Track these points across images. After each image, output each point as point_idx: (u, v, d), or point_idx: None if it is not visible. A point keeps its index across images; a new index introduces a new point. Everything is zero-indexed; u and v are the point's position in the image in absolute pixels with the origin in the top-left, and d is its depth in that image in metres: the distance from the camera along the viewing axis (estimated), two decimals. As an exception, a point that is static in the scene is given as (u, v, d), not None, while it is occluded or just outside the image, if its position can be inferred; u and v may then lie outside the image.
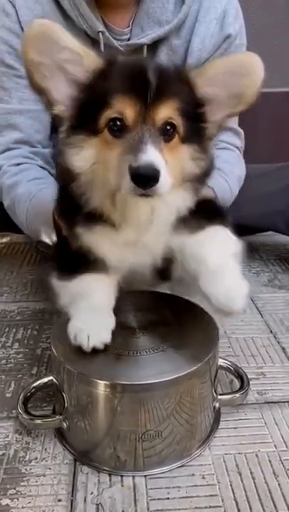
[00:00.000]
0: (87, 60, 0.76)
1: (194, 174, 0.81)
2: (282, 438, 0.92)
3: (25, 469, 0.86)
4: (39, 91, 0.77)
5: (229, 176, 1.31)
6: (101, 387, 0.80)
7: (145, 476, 0.84)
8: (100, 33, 1.21)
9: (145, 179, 0.69)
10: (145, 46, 1.23)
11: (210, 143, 0.83)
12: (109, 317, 0.90)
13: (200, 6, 1.25)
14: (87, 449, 0.86)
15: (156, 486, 0.82)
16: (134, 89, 0.73)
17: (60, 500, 0.79)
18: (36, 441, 0.92)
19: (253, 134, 1.51)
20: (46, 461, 0.87)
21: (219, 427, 0.94)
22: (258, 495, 0.80)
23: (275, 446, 0.90)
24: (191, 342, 0.88)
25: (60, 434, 0.92)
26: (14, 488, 0.82)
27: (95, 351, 0.85)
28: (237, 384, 0.97)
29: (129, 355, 0.84)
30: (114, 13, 1.24)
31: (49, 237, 1.08)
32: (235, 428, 0.94)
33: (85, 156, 0.77)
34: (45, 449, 0.90)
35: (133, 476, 0.83)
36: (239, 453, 0.88)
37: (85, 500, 0.79)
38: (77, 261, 0.88)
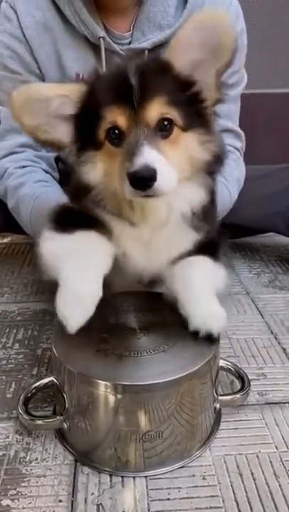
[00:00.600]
0: (72, 95, 0.80)
1: (205, 161, 0.81)
2: (283, 439, 0.92)
3: (26, 470, 0.86)
4: (48, 145, 0.83)
5: (228, 179, 1.31)
6: (102, 387, 0.79)
7: (146, 476, 0.84)
8: (101, 39, 1.21)
9: (142, 181, 0.71)
10: (146, 51, 1.22)
11: (214, 123, 0.83)
12: (98, 287, 0.83)
13: (201, 9, 1.25)
14: (88, 449, 0.86)
15: (157, 486, 0.82)
16: (119, 96, 0.76)
17: (60, 501, 0.79)
18: (37, 441, 0.92)
19: (253, 135, 1.51)
20: (47, 461, 0.87)
21: (220, 428, 0.94)
22: (259, 496, 0.80)
23: (275, 447, 0.90)
24: (192, 343, 0.87)
25: (61, 435, 0.92)
26: (15, 489, 0.82)
27: (95, 351, 0.85)
28: (238, 385, 0.97)
29: (130, 356, 0.84)
30: (115, 17, 1.24)
31: None
32: (235, 429, 0.94)
33: (96, 169, 0.81)
34: (46, 450, 0.90)
35: (134, 477, 0.83)
36: (240, 454, 0.88)
37: (85, 501, 0.79)
38: (82, 221, 0.87)
